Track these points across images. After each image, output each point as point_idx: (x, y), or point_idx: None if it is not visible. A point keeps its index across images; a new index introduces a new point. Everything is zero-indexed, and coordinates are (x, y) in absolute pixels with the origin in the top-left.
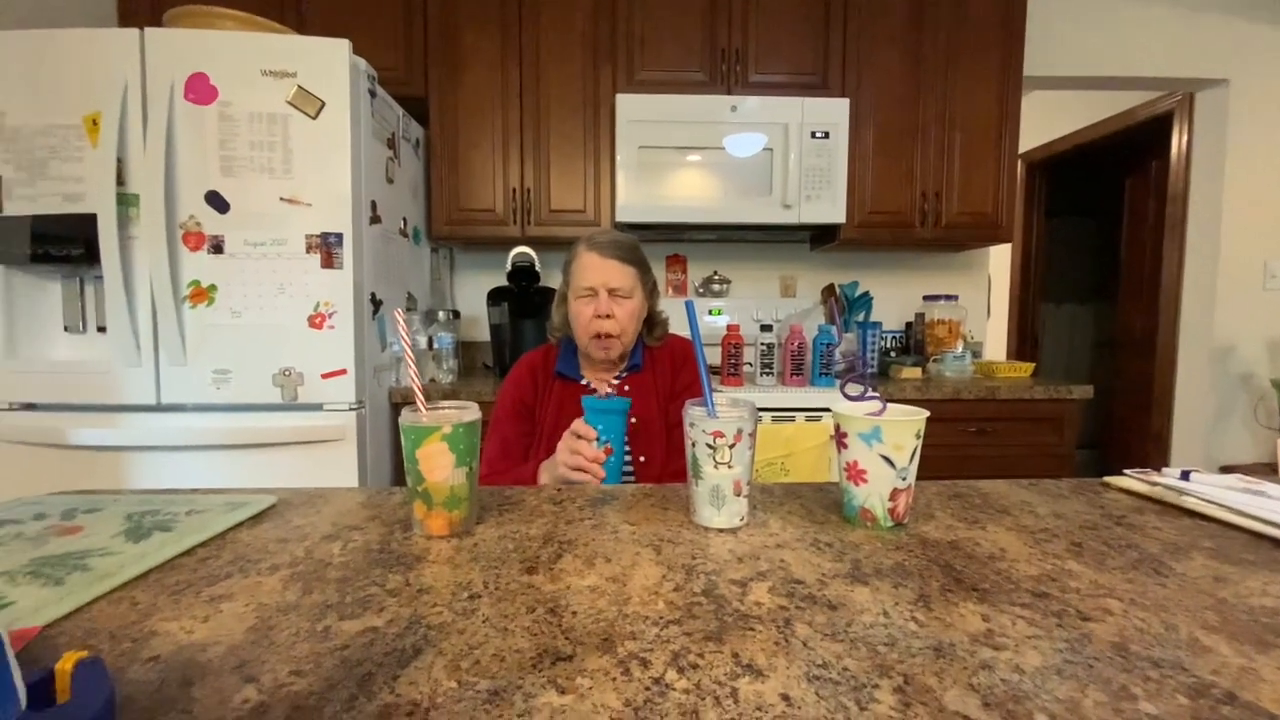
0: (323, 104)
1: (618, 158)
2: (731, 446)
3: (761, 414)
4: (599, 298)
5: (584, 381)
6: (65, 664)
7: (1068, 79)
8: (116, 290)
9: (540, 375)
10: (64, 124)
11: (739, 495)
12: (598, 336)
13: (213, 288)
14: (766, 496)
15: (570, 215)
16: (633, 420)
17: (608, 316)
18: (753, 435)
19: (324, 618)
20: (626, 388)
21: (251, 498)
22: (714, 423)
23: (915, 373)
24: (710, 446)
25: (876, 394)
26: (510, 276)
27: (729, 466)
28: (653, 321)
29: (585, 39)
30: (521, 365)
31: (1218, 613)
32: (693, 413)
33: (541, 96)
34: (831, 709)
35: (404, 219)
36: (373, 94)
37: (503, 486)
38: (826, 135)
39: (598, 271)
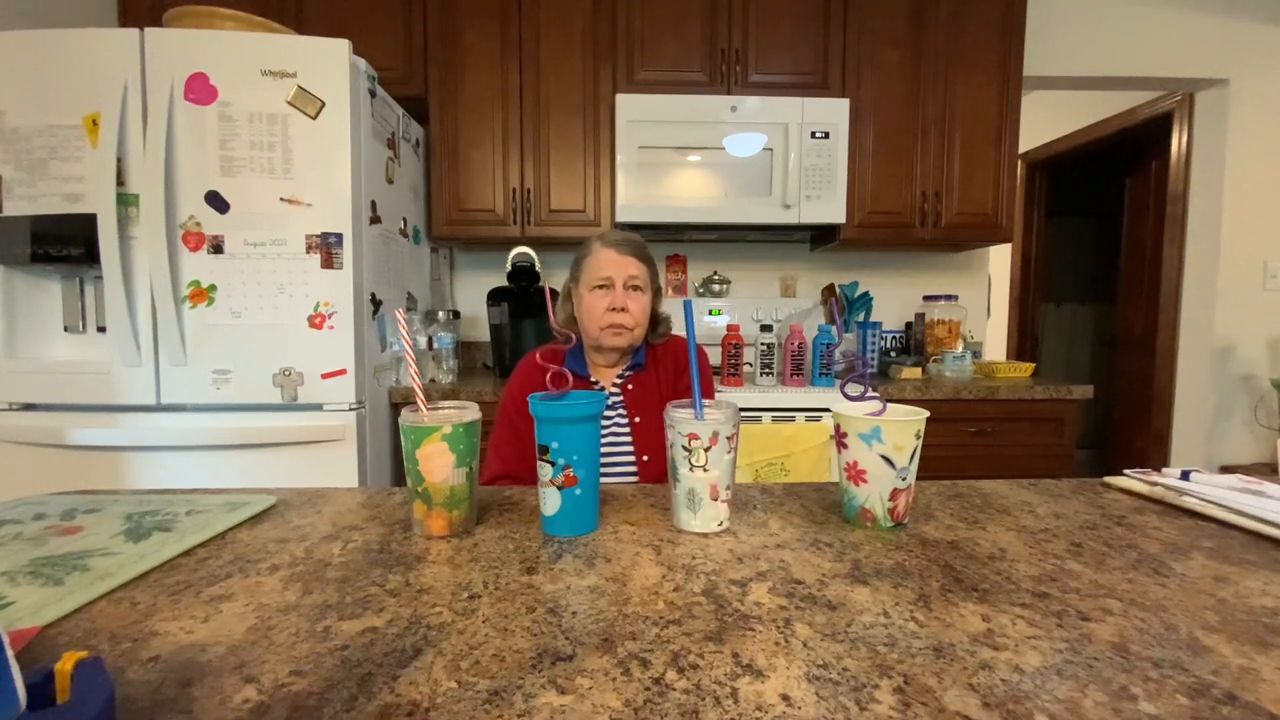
0: (323, 104)
1: (618, 158)
2: (708, 450)
3: (761, 414)
4: (615, 290)
5: (592, 379)
6: (65, 664)
7: (1068, 79)
8: (116, 290)
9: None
10: (64, 124)
11: (716, 500)
12: (612, 325)
13: (213, 288)
14: (766, 496)
15: (570, 215)
16: (636, 419)
17: (623, 309)
18: (731, 439)
19: (324, 618)
20: (630, 387)
21: (251, 498)
22: (690, 424)
23: (915, 373)
24: (686, 449)
25: (876, 394)
26: (510, 276)
27: (704, 470)
28: (655, 319)
29: (585, 39)
30: (530, 361)
31: (1218, 613)
32: (672, 414)
33: (541, 96)
34: (831, 709)
35: (404, 219)
36: (373, 94)
37: (503, 486)
38: (826, 135)
39: (615, 265)
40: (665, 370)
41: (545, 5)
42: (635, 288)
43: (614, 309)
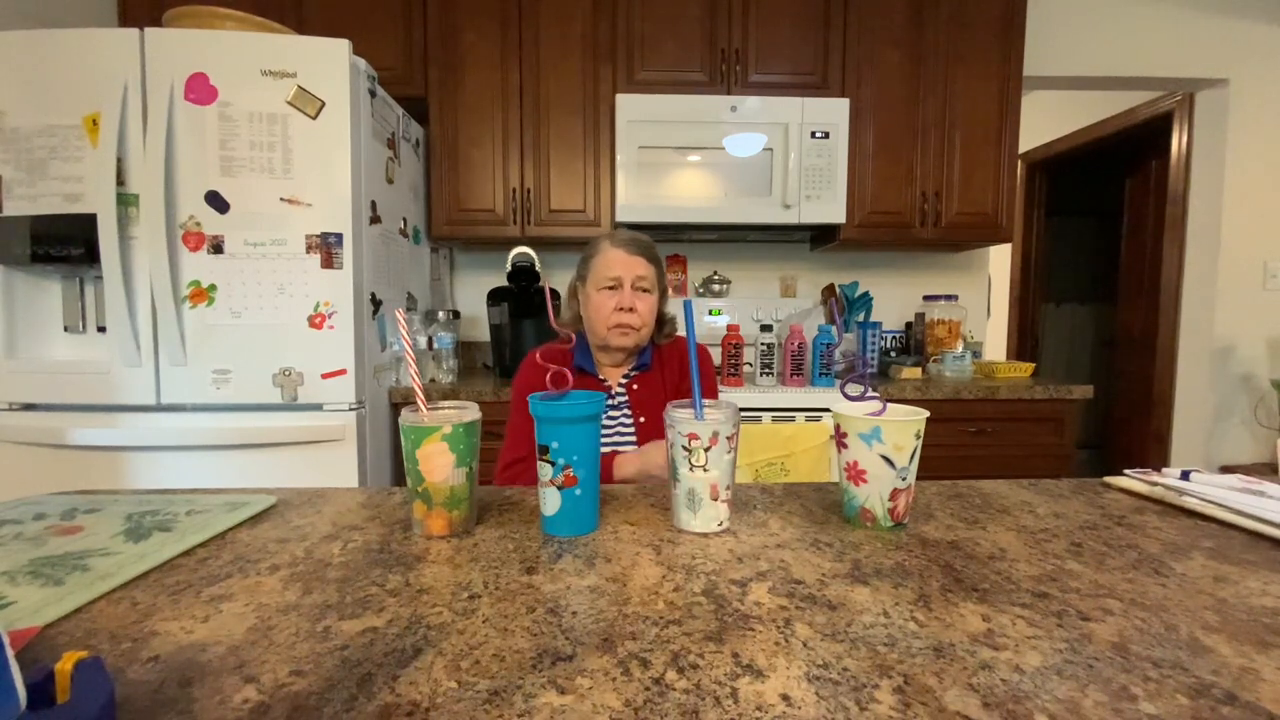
0: (323, 104)
1: (618, 158)
2: (707, 450)
3: (761, 414)
4: (623, 290)
5: (600, 378)
6: (65, 664)
7: (1068, 79)
8: (116, 290)
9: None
10: (64, 124)
11: (716, 500)
12: (619, 325)
13: (213, 288)
14: (766, 496)
15: (570, 215)
16: (641, 419)
17: (630, 309)
18: (731, 439)
19: (324, 618)
20: (635, 386)
21: (251, 498)
22: (690, 424)
23: (915, 373)
24: (686, 449)
25: (876, 394)
26: (510, 276)
27: (704, 470)
28: (661, 320)
29: (585, 39)
30: (536, 358)
31: (1218, 613)
32: (672, 414)
33: (541, 96)
34: (831, 709)
35: (404, 219)
36: (373, 94)
37: (517, 479)
38: (826, 135)
39: (624, 265)
40: (671, 370)
41: (545, 5)
42: (643, 288)
43: (621, 309)
